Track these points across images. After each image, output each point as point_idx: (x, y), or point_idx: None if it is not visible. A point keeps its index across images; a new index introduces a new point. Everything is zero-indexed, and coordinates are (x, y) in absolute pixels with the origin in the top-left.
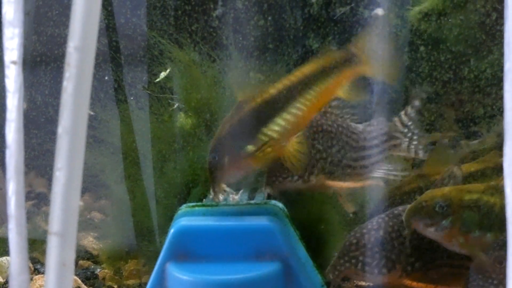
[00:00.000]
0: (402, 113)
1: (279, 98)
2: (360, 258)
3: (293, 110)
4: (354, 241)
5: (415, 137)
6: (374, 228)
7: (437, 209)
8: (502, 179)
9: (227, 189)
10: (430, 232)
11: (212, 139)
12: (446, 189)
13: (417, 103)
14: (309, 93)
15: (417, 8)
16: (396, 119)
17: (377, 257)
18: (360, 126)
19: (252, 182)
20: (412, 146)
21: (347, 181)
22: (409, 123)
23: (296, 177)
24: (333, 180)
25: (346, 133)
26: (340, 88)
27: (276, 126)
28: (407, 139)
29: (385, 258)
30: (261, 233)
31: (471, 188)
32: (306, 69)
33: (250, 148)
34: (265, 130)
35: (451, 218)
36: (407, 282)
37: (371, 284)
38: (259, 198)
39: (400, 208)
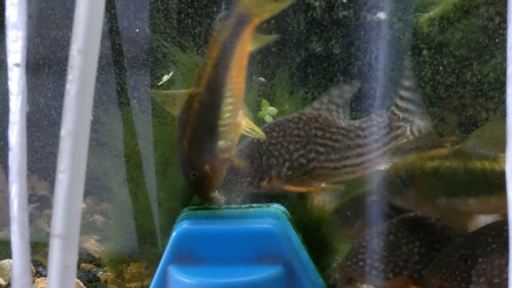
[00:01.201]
0: (397, 99)
1: (212, 90)
2: (368, 261)
3: (228, 93)
4: (364, 243)
5: (416, 117)
6: (384, 233)
7: (399, 180)
8: (466, 143)
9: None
10: (398, 202)
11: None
12: (409, 159)
13: (406, 82)
14: (230, 69)
15: (427, 15)
16: (392, 107)
17: (385, 262)
18: (352, 123)
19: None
20: (415, 127)
21: (319, 183)
22: (407, 105)
23: (245, 184)
24: (295, 183)
25: (323, 135)
26: (249, 45)
27: (226, 113)
28: (408, 124)
29: (392, 263)
30: (264, 236)
31: (434, 155)
32: (213, 52)
33: (221, 143)
34: (221, 122)
35: (415, 188)
36: None
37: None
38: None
39: (411, 214)
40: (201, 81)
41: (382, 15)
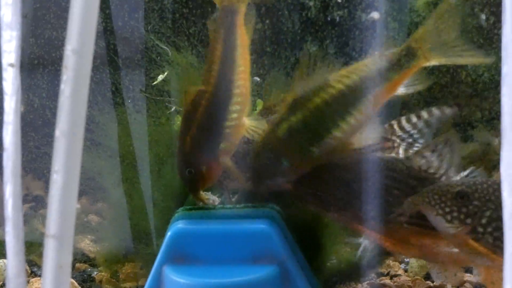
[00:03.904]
0: (403, 118)
1: (221, 88)
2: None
3: (237, 90)
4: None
5: (416, 145)
6: (337, 168)
7: (268, 160)
8: (294, 90)
9: (211, 196)
10: (279, 180)
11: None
12: (262, 135)
13: (425, 115)
14: (236, 65)
15: None
16: (394, 122)
17: (328, 192)
18: None
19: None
20: (411, 152)
21: None
22: (412, 131)
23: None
24: None
25: None
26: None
27: (233, 113)
28: (404, 144)
29: (332, 198)
30: (258, 236)
31: (277, 119)
32: (217, 50)
33: (224, 145)
34: (228, 123)
35: (285, 158)
36: (359, 227)
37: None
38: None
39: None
40: (210, 79)
41: (375, 15)
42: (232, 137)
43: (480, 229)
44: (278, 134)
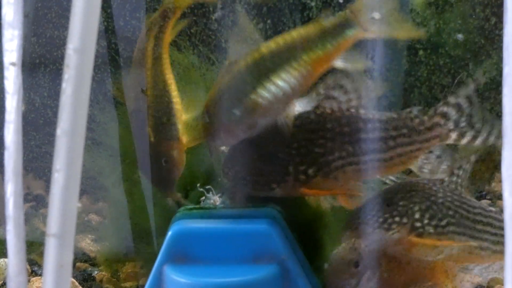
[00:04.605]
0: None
1: (157, 76)
2: (248, 177)
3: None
4: (232, 152)
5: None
6: (254, 146)
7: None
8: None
9: (212, 196)
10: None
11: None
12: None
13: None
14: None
15: None
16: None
17: (264, 174)
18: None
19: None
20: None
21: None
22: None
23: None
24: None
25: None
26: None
27: (178, 105)
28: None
29: (270, 174)
30: (259, 236)
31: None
32: (149, 45)
33: (180, 125)
34: (174, 100)
35: (208, 116)
36: (305, 191)
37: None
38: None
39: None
40: (147, 71)
41: (376, 15)
42: (180, 117)
43: (418, 224)
44: (211, 96)
